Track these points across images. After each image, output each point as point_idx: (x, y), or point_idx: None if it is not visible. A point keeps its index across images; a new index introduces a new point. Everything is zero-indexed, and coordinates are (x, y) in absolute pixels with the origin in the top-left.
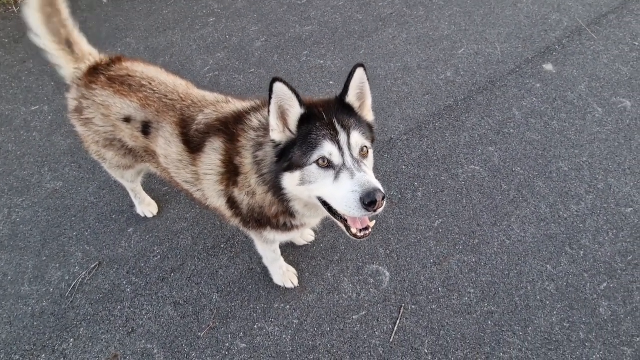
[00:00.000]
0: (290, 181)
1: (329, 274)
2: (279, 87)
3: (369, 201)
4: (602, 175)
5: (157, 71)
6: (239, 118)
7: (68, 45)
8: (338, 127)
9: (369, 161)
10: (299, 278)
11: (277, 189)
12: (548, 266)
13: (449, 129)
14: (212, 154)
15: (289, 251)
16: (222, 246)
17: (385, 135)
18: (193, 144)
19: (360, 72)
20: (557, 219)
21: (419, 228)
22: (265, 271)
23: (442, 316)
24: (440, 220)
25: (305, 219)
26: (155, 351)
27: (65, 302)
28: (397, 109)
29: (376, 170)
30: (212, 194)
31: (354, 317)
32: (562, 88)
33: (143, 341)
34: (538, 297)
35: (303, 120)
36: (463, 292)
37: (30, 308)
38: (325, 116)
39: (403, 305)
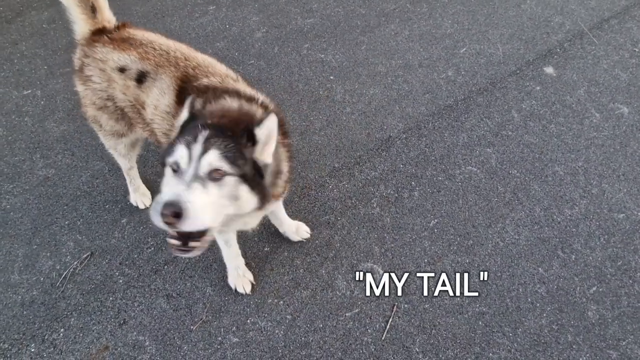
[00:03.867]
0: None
1: (324, 271)
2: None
3: (159, 210)
4: (596, 180)
5: (158, 36)
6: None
7: (92, 10)
8: (200, 137)
9: (223, 190)
10: (292, 274)
11: None
12: (540, 269)
13: (447, 129)
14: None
15: (284, 246)
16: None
17: (384, 133)
18: (183, 97)
19: (272, 120)
20: (550, 222)
21: (414, 227)
22: (259, 266)
23: (434, 315)
24: (435, 221)
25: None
26: (147, 343)
27: (56, 292)
28: (396, 107)
29: (373, 167)
30: None
31: (346, 314)
32: (562, 92)
33: (135, 333)
34: (529, 300)
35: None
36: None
37: (19, 297)
38: (199, 126)
39: (396, 304)
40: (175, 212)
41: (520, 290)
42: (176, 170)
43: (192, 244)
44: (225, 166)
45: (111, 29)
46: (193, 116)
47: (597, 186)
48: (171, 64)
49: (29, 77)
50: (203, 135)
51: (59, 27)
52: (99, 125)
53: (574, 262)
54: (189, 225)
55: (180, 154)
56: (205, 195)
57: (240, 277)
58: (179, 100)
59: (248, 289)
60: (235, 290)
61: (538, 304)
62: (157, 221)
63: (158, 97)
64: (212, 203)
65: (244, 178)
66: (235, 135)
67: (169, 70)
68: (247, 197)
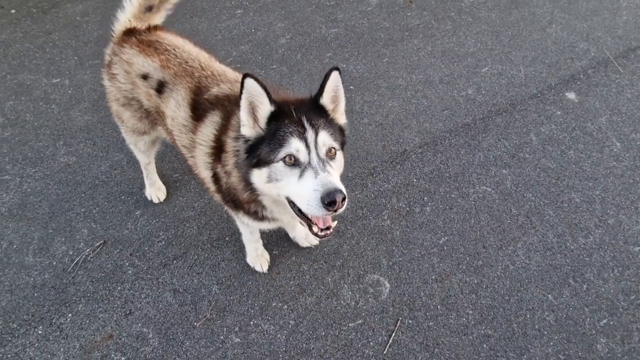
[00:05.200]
0: (258, 178)
1: (330, 279)
2: (249, 83)
3: (328, 200)
4: (613, 210)
5: (184, 41)
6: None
7: (148, 8)
8: (307, 125)
9: (337, 163)
10: (299, 279)
11: (247, 183)
12: (549, 296)
13: (464, 147)
14: (210, 126)
15: (292, 251)
16: (227, 239)
17: (399, 147)
18: (198, 112)
19: (335, 75)
20: (563, 249)
21: (423, 243)
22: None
23: (438, 334)
24: (446, 238)
25: (276, 214)
26: (151, 335)
27: (67, 277)
28: (414, 121)
29: (386, 180)
30: (201, 164)
31: (350, 324)
32: (583, 118)
33: (139, 324)
34: (536, 326)
35: (273, 117)
36: (461, 313)
37: (32, 279)
38: (295, 114)
39: (400, 318)
40: (344, 197)
41: (528, 316)
42: (292, 162)
43: (332, 224)
44: (334, 143)
45: (141, 30)
46: (279, 106)
47: (614, 216)
48: (188, 73)
49: (59, 67)
50: (306, 121)
51: (91, 20)
52: (121, 120)
53: (585, 292)
54: (345, 204)
55: (295, 146)
56: (336, 173)
57: (258, 257)
58: (195, 116)
59: (265, 268)
60: (254, 268)
61: (545, 332)
62: (320, 211)
63: (174, 109)
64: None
65: (342, 146)
66: (317, 111)
67: (184, 81)
68: (343, 162)
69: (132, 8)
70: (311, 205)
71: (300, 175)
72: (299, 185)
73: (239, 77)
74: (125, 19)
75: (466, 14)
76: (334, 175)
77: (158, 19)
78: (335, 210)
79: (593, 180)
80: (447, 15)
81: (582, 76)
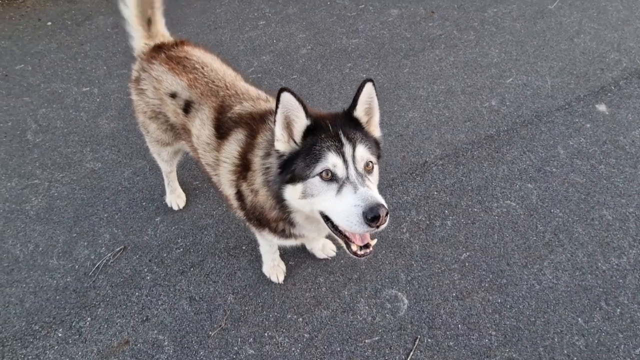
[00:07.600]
0: (292, 193)
1: (346, 292)
2: (286, 97)
3: (371, 216)
4: None
5: (213, 58)
6: (264, 116)
7: (148, 23)
8: (344, 139)
9: (374, 177)
10: (315, 291)
11: (279, 199)
12: (579, 319)
13: (487, 160)
14: (234, 144)
15: (308, 262)
16: (244, 248)
17: (419, 158)
18: (222, 130)
19: (369, 86)
20: (594, 270)
21: (444, 258)
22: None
23: (458, 355)
24: (467, 254)
25: (305, 231)
26: (166, 343)
27: (88, 281)
28: (435, 132)
29: (406, 191)
30: (225, 182)
31: (366, 340)
32: (614, 131)
33: (155, 331)
34: (565, 351)
35: (308, 132)
36: (484, 333)
37: (55, 281)
38: (331, 128)
39: (419, 336)
40: (387, 211)
41: (556, 339)
42: (329, 177)
43: (372, 241)
44: (371, 157)
45: (169, 45)
46: (315, 120)
47: None
48: (213, 93)
49: (89, 76)
50: (343, 135)
51: (121, 32)
52: (147, 131)
53: (619, 317)
54: (388, 220)
55: (333, 161)
56: (375, 187)
57: (275, 267)
58: (219, 134)
59: (281, 279)
60: (270, 279)
61: (575, 358)
62: (362, 227)
63: (199, 128)
64: None
65: (377, 159)
66: (352, 124)
67: (210, 100)
68: (378, 175)
69: (138, 33)
70: (352, 221)
71: (339, 191)
72: (337, 201)
73: (261, 94)
74: (140, 44)
75: (489, 24)
76: (373, 189)
77: (160, 23)
78: (378, 226)
79: (626, 197)
80: (469, 26)
81: (613, 87)
